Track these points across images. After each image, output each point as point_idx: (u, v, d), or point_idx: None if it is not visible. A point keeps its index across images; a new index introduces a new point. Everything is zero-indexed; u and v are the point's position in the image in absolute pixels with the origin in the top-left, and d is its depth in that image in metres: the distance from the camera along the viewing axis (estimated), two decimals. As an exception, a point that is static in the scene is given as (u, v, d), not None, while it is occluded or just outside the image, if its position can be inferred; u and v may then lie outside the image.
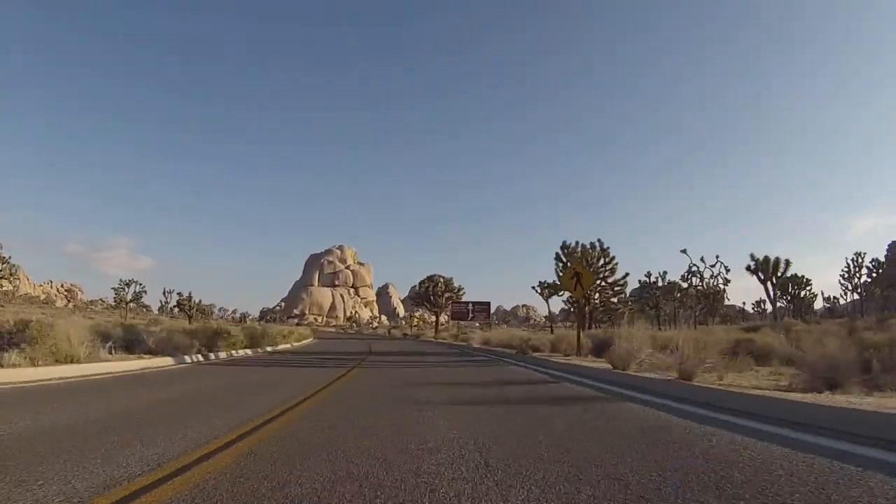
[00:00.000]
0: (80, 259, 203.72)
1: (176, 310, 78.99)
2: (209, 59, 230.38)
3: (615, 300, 40.00)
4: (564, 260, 37.87)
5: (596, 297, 38.23)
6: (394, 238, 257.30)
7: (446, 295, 43.53)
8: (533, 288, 42.28)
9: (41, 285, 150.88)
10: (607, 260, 38.69)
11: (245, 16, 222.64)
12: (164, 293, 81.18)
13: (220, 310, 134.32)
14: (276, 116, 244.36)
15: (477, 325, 58.95)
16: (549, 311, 46.25)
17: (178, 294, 73.16)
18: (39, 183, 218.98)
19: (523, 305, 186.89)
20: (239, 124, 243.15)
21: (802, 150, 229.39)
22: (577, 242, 38.66)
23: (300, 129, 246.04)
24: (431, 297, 43.87)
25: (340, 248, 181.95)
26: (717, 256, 41.94)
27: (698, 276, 42.17)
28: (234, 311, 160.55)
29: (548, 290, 38.66)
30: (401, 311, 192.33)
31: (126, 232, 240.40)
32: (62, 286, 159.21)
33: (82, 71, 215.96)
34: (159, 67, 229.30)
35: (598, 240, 38.74)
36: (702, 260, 41.97)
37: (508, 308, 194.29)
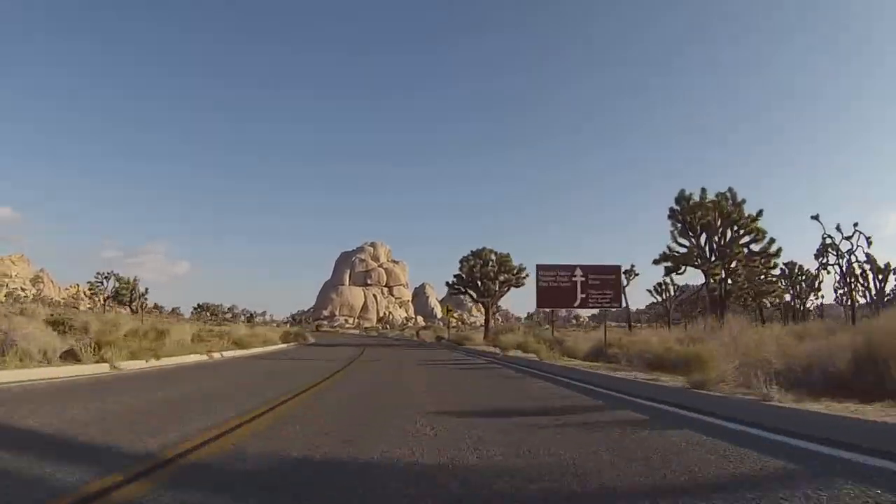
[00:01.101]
0: (115, 263, 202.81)
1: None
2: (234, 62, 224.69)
3: (764, 277, 25.72)
4: (683, 218, 24.11)
5: (739, 270, 24.10)
6: (429, 236, 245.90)
7: (502, 277, 29.90)
8: (626, 273, 28.65)
9: (67, 288, 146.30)
10: (747, 218, 24.43)
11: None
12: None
13: (242, 311, 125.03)
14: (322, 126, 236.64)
15: (519, 324, 46.09)
16: (626, 305, 32.40)
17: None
18: (77, 188, 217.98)
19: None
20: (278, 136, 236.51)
21: None
22: (702, 190, 24.73)
23: (341, 142, 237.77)
24: (480, 282, 29.77)
25: (373, 244, 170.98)
26: (856, 225, 25.98)
27: (836, 251, 26.73)
28: (265, 314, 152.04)
29: (670, 261, 24.46)
30: (438, 311, 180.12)
31: (163, 237, 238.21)
32: (90, 289, 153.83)
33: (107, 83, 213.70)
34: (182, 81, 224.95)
35: (730, 189, 24.68)
36: (838, 229, 25.77)
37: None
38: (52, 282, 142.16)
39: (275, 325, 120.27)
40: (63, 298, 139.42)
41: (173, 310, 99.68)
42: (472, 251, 29.43)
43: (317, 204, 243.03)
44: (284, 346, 24.30)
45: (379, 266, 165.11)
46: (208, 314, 74.42)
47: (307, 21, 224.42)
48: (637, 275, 32.66)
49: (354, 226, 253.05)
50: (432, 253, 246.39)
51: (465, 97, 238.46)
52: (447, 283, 30.63)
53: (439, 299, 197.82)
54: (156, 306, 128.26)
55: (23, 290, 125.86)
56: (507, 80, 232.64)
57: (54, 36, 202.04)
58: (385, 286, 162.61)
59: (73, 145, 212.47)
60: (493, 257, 28.90)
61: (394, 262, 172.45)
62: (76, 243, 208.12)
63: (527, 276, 29.90)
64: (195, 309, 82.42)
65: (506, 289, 28.96)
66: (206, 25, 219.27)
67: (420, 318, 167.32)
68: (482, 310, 34.55)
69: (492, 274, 28.15)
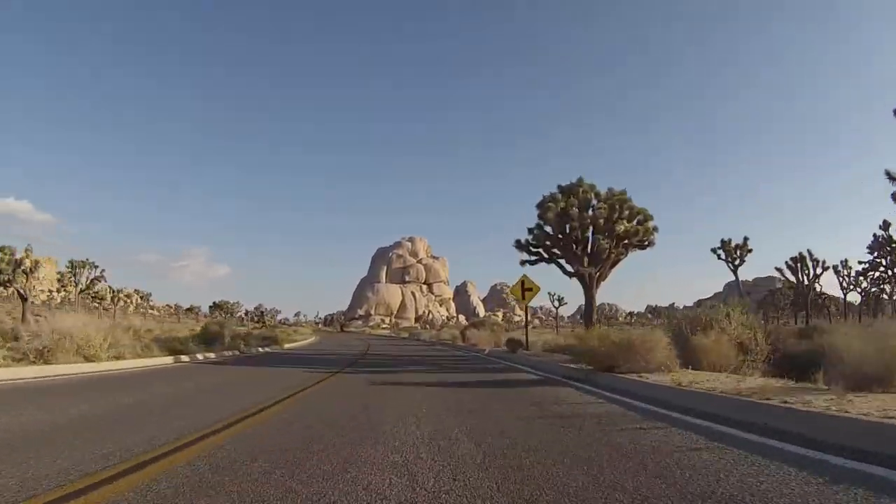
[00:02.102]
0: (156, 267, 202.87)
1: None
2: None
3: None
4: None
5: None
6: (469, 234, 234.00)
7: (620, 227, 15.93)
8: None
9: (97, 291, 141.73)
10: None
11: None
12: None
13: (270, 311, 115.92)
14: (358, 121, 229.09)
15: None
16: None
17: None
18: (119, 194, 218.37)
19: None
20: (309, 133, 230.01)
21: None
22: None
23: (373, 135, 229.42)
24: (578, 235, 16.39)
25: (411, 239, 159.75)
26: None
27: None
28: (298, 314, 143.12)
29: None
30: (481, 310, 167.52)
31: (203, 241, 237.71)
32: (121, 291, 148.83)
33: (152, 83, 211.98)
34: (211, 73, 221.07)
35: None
36: None
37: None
38: (74, 284, 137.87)
39: (297, 326, 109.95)
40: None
41: (190, 308, 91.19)
42: (559, 187, 16.64)
43: (356, 200, 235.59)
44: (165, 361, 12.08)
45: (417, 262, 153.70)
46: (221, 313, 64.38)
47: (350, 11, 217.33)
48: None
49: (392, 223, 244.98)
50: (473, 250, 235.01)
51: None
52: (517, 244, 17.65)
53: (481, 298, 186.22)
54: (169, 306, 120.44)
55: (50, 291, 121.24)
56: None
57: (105, 38, 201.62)
58: (424, 283, 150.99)
59: (109, 153, 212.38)
60: (597, 196, 16.09)
61: (433, 257, 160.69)
62: (117, 248, 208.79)
63: (655, 231, 16.99)
64: (211, 307, 72.88)
65: (622, 250, 16.06)
66: (246, 21, 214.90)
67: (462, 318, 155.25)
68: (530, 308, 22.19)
69: (601, 222, 15.43)
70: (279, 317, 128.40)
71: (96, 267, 46.61)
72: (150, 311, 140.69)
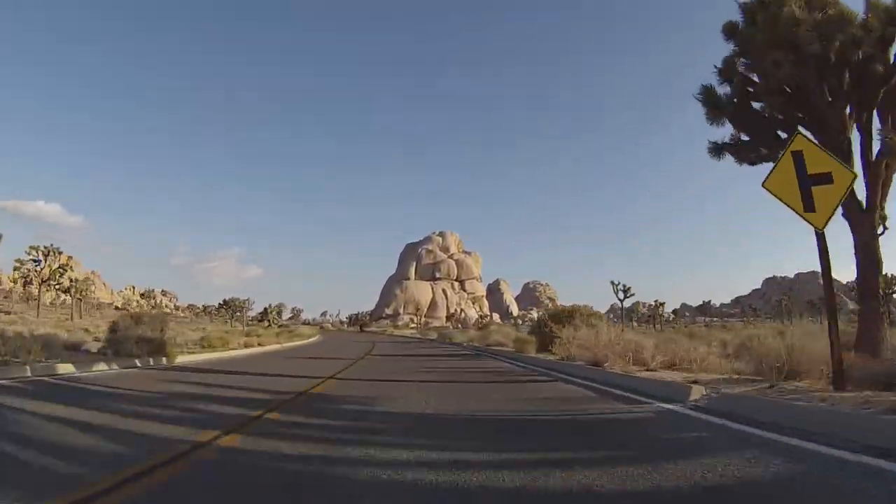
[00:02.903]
0: (186, 269, 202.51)
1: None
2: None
3: None
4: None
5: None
6: (500, 231, 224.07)
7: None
8: None
9: (120, 292, 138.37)
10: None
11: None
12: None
13: (293, 311, 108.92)
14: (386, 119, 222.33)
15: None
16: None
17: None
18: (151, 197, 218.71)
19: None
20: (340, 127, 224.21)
21: None
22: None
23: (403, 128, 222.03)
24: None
25: (441, 234, 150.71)
26: None
27: None
28: (325, 314, 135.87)
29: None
30: (515, 310, 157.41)
31: (235, 243, 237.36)
32: (144, 293, 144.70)
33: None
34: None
35: None
36: None
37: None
38: (104, 284, 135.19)
39: (311, 324, 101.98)
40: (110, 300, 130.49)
41: (204, 308, 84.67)
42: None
43: (390, 195, 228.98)
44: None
45: (448, 257, 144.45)
46: (229, 311, 56.63)
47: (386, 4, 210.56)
48: None
49: (423, 221, 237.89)
50: (504, 247, 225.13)
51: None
52: (702, 91, 7.24)
53: (515, 296, 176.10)
54: (193, 305, 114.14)
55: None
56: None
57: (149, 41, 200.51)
58: (456, 280, 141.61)
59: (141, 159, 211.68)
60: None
61: (465, 252, 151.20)
62: (151, 250, 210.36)
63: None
64: (219, 305, 65.66)
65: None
66: (286, 13, 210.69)
67: (496, 317, 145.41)
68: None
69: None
70: (304, 316, 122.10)
71: (60, 252, 38.74)
72: (174, 310, 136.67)
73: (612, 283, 38.98)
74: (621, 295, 42.41)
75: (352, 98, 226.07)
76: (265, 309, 52.32)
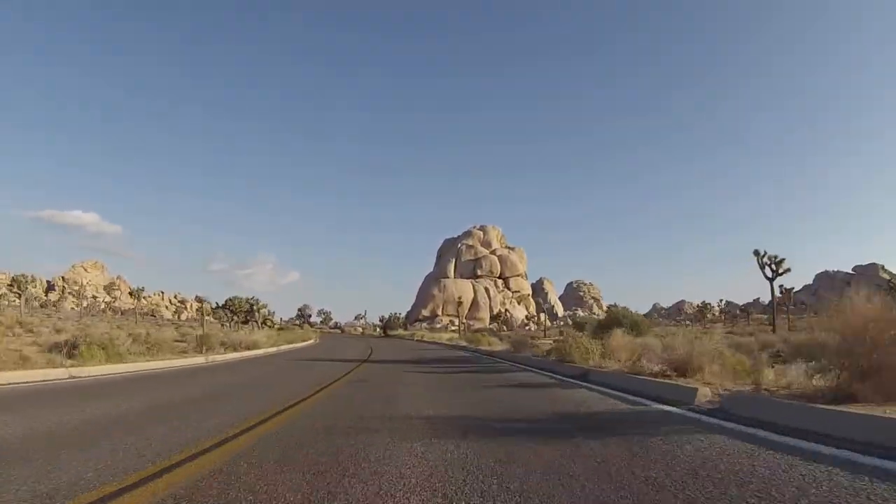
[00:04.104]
0: (225, 275, 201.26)
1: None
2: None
3: None
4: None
5: None
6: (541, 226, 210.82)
7: None
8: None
9: (149, 297, 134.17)
10: None
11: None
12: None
13: (320, 314, 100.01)
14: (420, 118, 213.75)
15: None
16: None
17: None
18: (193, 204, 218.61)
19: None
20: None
21: None
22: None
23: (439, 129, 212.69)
24: None
25: (482, 228, 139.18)
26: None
27: None
28: (364, 314, 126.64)
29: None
30: (559, 310, 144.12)
31: (271, 248, 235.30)
32: (175, 297, 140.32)
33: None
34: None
35: None
36: None
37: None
38: (130, 290, 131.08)
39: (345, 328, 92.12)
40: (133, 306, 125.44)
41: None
42: None
43: (425, 196, 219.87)
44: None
45: (490, 253, 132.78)
46: (229, 313, 47.39)
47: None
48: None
49: (461, 215, 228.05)
50: (547, 244, 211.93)
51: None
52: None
53: (559, 296, 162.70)
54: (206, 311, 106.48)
55: (94, 297, 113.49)
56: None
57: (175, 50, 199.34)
58: (499, 277, 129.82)
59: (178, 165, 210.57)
60: None
61: (509, 248, 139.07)
62: (186, 257, 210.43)
63: None
64: (221, 307, 56.47)
65: None
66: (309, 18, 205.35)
67: (544, 317, 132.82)
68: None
69: None
70: (336, 320, 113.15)
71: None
72: (206, 317, 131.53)
73: (757, 253, 26.22)
74: (769, 272, 27.63)
75: (388, 97, 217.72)
76: (251, 307, 42.49)
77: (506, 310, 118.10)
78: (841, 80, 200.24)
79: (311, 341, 35.75)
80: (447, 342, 38.93)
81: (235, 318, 47.98)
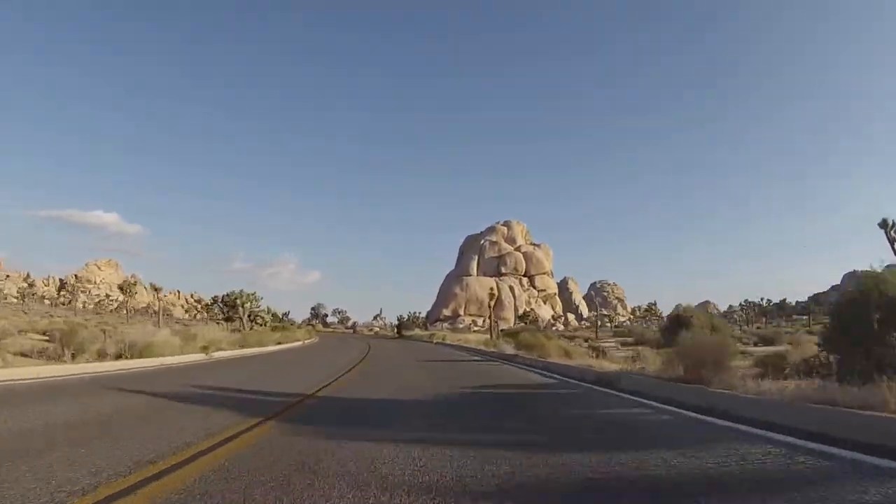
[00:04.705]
0: (248, 274, 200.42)
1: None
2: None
3: None
4: None
5: None
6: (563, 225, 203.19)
7: None
8: None
9: (166, 296, 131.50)
10: None
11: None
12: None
13: (334, 313, 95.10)
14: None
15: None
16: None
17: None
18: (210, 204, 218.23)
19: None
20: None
21: None
22: None
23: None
24: None
25: (506, 224, 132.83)
26: None
27: None
28: (380, 314, 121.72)
29: None
30: (584, 310, 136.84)
31: (292, 247, 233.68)
32: (191, 296, 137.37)
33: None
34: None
35: None
36: None
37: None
38: (144, 288, 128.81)
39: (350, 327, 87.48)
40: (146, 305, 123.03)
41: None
42: None
43: (446, 195, 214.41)
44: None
45: (515, 249, 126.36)
46: (225, 309, 42.52)
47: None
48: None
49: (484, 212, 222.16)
50: (571, 242, 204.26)
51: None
52: None
53: (583, 295, 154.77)
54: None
55: (108, 296, 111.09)
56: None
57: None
58: (524, 275, 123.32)
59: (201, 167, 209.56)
60: None
61: (534, 245, 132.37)
62: (207, 257, 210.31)
63: None
64: (218, 302, 51.97)
65: None
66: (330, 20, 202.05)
67: (571, 317, 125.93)
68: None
69: None
70: (356, 321, 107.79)
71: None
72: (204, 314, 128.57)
73: (885, 224, 19.72)
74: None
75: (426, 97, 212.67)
76: (234, 302, 36.74)
77: (531, 309, 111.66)
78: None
79: (299, 343, 30.27)
80: (480, 346, 28.53)
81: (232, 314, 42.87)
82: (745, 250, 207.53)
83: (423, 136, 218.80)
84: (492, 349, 24.43)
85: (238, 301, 36.25)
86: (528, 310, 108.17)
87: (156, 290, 59.60)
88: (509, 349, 19.72)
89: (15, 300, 78.94)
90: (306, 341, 33.96)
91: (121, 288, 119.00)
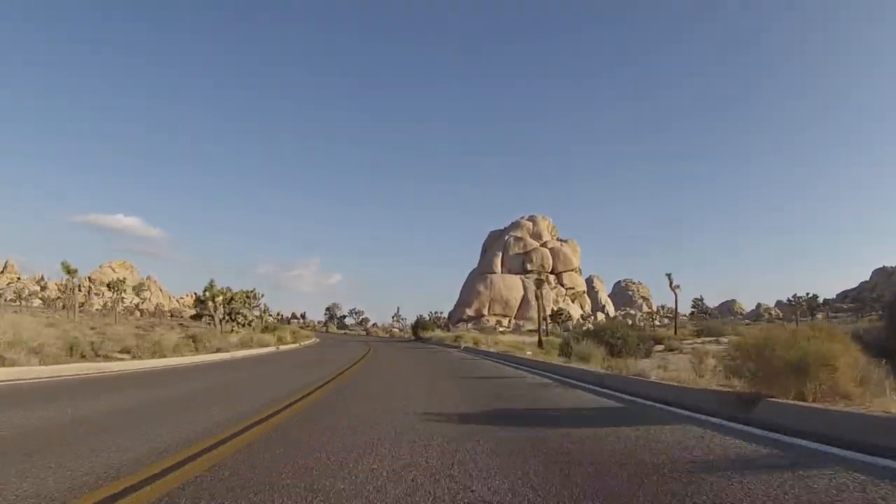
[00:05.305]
0: (272, 277, 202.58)
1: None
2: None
3: None
4: None
5: None
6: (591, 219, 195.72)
7: None
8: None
9: (180, 298, 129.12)
10: None
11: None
12: None
13: (350, 313, 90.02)
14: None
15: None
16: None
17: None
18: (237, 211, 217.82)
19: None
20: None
21: None
22: None
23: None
24: None
25: (531, 218, 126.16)
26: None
27: None
28: (397, 313, 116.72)
29: None
30: (611, 309, 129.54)
31: (316, 250, 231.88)
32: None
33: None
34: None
35: None
36: None
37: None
38: (160, 290, 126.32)
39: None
40: (168, 308, 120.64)
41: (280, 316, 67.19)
42: None
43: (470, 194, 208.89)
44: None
45: (541, 245, 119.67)
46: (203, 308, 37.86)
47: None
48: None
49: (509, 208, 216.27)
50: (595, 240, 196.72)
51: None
52: None
53: (609, 294, 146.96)
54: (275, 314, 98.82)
55: (122, 297, 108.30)
56: None
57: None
58: (551, 272, 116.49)
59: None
60: None
61: (560, 240, 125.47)
62: (230, 260, 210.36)
63: None
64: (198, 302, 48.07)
65: None
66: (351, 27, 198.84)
67: (600, 316, 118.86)
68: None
69: None
70: (375, 322, 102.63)
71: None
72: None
73: None
74: None
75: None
76: (206, 298, 31.15)
77: (559, 308, 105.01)
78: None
79: (271, 348, 24.75)
80: (553, 361, 15.12)
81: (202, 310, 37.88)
82: (767, 249, 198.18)
83: (444, 134, 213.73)
84: (587, 367, 12.23)
85: (207, 296, 30.55)
86: (557, 308, 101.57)
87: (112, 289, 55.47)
88: (559, 361, 13.04)
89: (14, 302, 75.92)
90: (282, 347, 27.39)
91: (135, 290, 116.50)
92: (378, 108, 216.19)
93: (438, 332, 50.36)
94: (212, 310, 28.99)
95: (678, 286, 44.09)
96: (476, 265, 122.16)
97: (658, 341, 27.94)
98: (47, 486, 3.04)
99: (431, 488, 3.16)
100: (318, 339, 43.87)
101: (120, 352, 13.94)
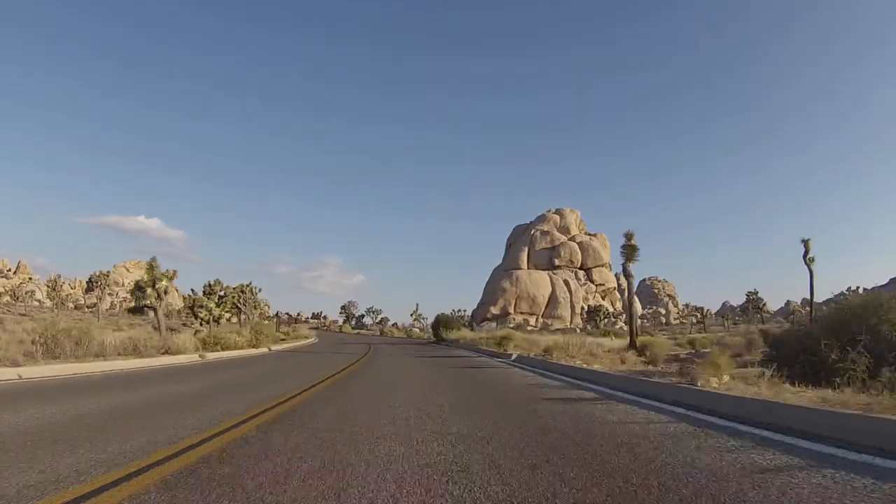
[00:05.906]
0: (291, 278, 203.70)
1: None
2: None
3: None
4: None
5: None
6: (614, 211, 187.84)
7: None
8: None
9: (197, 298, 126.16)
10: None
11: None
12: None
13: (368, 313, 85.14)
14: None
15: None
16: None
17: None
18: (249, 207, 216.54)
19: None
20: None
21: None
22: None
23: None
24: None
25: (559, 211, 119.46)
26: None
27: None
28: (414, 315, 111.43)
29: None
30: (638, 307, 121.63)
31: (336, 250, 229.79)
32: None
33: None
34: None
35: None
36: None
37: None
38: (175, 290, 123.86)
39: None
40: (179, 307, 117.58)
41: (299, 315, 63.37)
42: None
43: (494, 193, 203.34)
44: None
45: (569, 240, 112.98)
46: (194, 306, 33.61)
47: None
48: None
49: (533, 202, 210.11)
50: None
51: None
52: None
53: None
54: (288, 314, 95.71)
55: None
56: None
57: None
58: (580, 268, 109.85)
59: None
60: None
61: (589, 235, 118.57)
62: (251, 259, 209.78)
63: None
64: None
65: None
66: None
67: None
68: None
69: None
70: (394, 322, 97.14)
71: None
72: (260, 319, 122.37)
73: None
74: None
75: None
76: (144, 284, 24.29)
77: (590, 306, 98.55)
78: None
79: (182, 357, 17.66)
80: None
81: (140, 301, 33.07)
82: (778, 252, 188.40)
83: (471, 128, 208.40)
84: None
85: (145, 281, 23.38)
86: (585, 307, 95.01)
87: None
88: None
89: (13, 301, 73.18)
90: (226, 353, 18.96)
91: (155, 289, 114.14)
92: (396, 112, 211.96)
93: (466, 332, 42.91)
94: (152, 300, 23.47)
95: (812, 258, 27.19)
96: (500, 262, 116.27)
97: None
98: None
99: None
100: (314, 341, 39.03)
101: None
